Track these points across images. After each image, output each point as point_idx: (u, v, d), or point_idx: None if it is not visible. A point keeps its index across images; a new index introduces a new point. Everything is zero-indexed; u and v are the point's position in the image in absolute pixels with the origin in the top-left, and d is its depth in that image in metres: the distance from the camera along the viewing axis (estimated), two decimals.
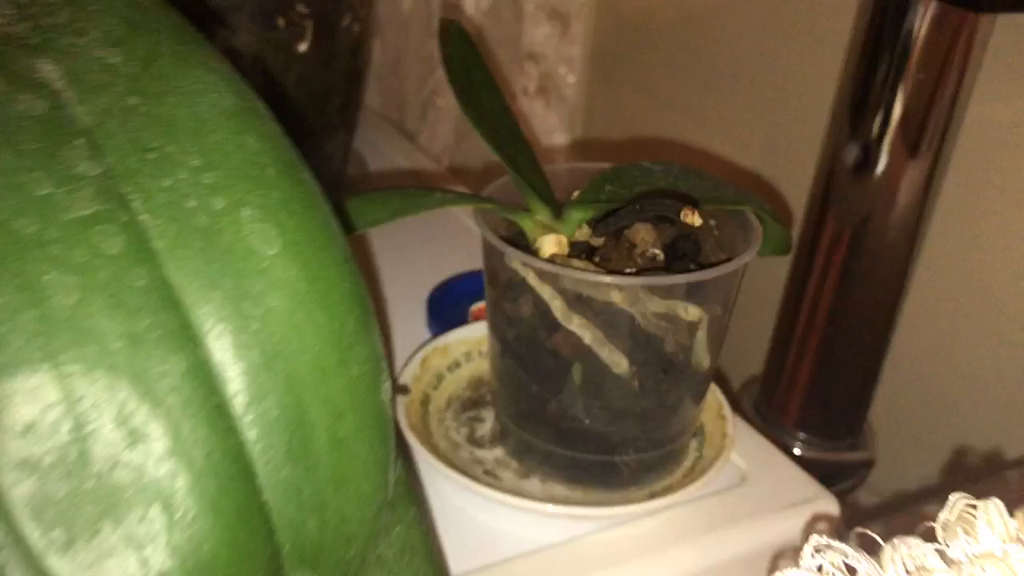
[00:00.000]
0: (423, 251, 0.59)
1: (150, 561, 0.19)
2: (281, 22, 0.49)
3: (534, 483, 0.41)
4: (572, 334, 0.36)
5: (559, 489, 0.40)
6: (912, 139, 0.47)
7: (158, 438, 0.19)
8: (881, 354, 0.55)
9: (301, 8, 0.49)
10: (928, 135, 0.47)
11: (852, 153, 0.49)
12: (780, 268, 0.58)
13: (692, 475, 0.41)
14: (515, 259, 0.36)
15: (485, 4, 0.82)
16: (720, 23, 0.70)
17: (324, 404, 0.21)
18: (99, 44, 0.23)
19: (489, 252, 0.38)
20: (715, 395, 0.44)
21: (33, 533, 0.18)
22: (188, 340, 0.20)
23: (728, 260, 0.36)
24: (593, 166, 0.42)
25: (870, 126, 0.47)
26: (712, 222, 0.40)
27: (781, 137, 0.66)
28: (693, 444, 0.43)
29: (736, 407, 0.50)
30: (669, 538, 0.39)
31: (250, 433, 0.21)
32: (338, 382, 0.21)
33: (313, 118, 0.53)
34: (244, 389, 0.21)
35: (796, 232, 0.56)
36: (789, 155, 0.65)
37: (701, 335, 0.37)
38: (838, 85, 0.57)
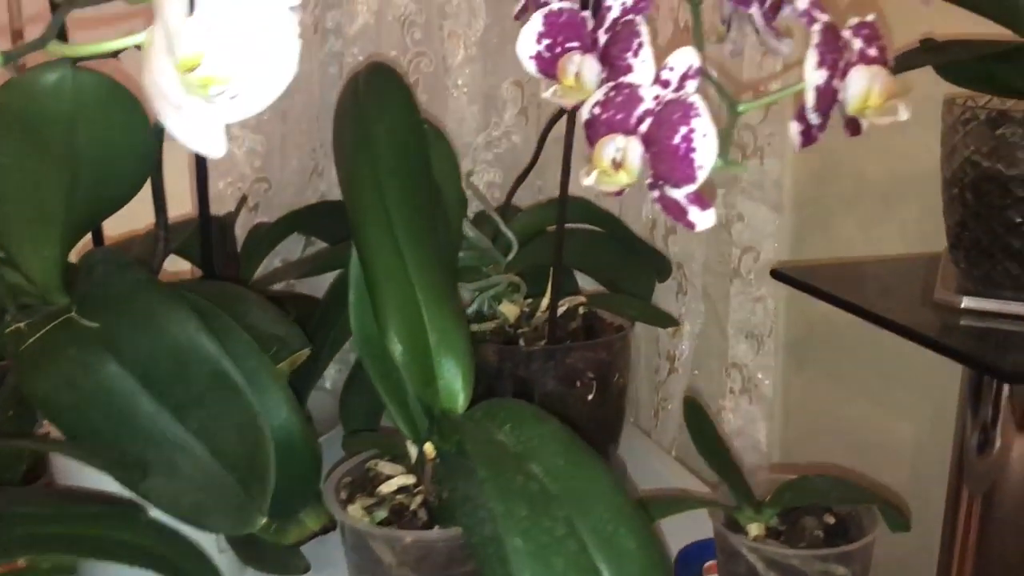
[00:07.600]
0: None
1: None
2: (577, 383, 0.80)
3: None
4: None
5: None
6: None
7: None
8: None
9: (589, 374, 0.81)
10: None
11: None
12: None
13: None
14: (737, 542, 0.63)
15: (697, 327, 1.12)
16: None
17: None
18: (551, 455, 0.53)
19: (720, 536, 0.65)
20: None
21: None
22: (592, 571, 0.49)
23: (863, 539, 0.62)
24: (782, 477, 0.68)
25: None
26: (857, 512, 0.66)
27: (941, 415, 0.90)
28: None
29: None
30: None
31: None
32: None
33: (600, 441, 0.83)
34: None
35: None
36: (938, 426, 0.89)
37: None
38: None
